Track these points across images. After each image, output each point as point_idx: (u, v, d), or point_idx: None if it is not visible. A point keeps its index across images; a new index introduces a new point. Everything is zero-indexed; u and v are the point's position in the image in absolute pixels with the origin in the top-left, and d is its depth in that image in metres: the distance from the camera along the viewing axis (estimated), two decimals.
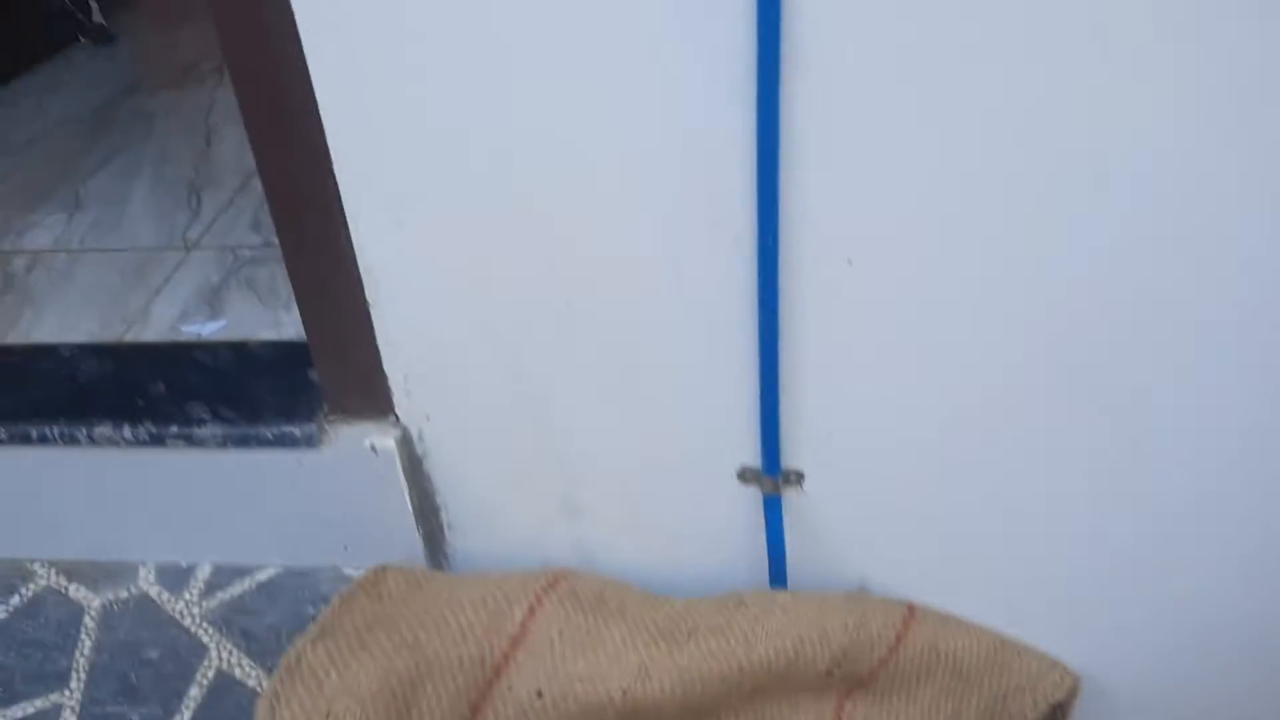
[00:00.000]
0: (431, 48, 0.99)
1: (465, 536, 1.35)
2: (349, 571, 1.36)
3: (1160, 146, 0.95)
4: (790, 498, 1.23)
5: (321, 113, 1.05)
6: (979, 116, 0.95)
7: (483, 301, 1.15)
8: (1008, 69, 0.93)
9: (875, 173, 1.00)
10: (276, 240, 1.17)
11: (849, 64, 0.95)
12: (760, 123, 0.97)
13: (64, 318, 1.53)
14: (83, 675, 1.32)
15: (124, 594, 1.36)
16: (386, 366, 1.22)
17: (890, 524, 1.24)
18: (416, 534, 1.32)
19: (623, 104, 1.00)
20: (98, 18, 2.67)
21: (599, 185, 1.05)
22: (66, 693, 1.32)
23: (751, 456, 1.21)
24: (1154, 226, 0.99)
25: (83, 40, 2.65)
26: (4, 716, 1.31)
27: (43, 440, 1.30)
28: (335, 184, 1.09)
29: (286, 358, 1.38)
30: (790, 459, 1.20)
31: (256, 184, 1.80)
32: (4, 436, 1.31)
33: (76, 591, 1.37)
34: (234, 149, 2.01)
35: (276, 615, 1.32)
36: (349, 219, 1.11)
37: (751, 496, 1.24)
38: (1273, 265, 1.00)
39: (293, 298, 1.42)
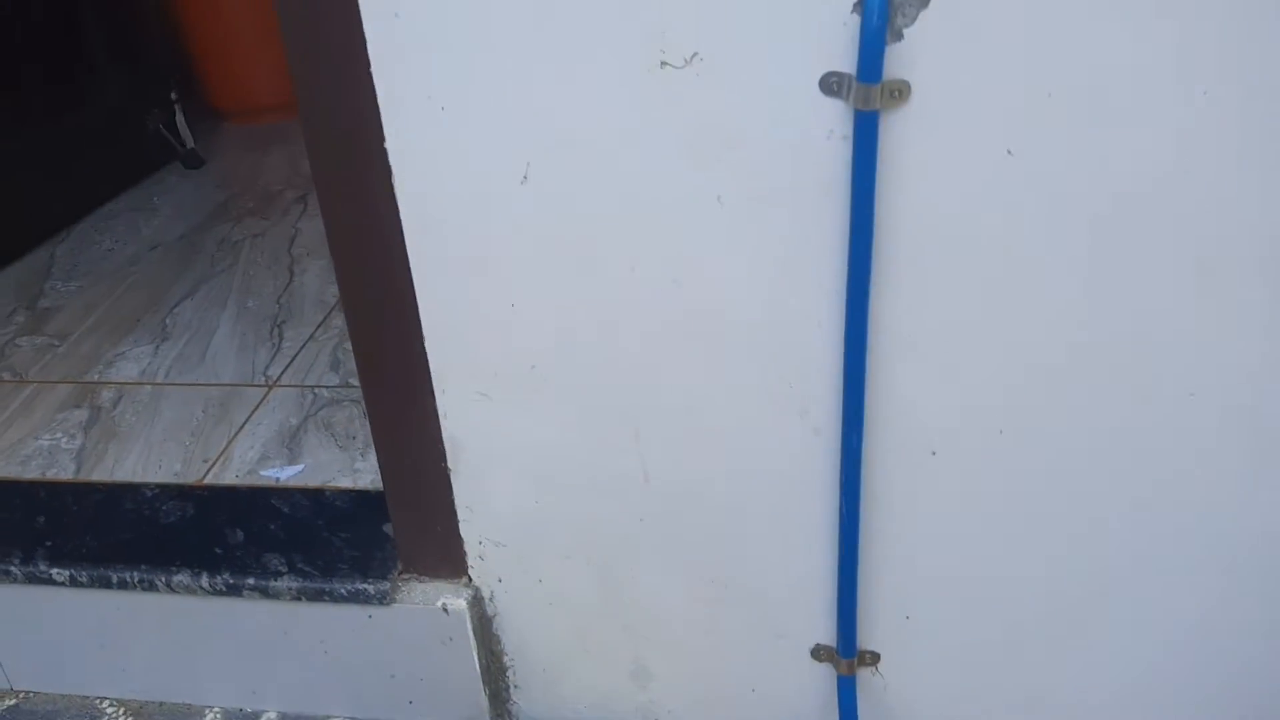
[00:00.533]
0: (525, 241, 1.02)
1: (531, 698, 1.34)
2: None
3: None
4: (865, 679, 1.21)
5: (417, 292, 1.08)
6: (1060, 333, 0.96)
7: (562, 473, 1.16)
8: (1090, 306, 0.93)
9: (962, 370, 1.00)
10: (354, 381, 1.19)
11: (939, 270, 0.96)
12: (849, 319, 0.98)
13: (148, 455, 1.56)
14: None
15: None
16: (463, 530, 1.23)
17: (968, 709, 1.21)
18: (482, 693, 1.32)
19: (716, 287, 1.01)
20: (190, 143, 2.79)
21: (688, 363, 1.06)
22: None
23: (827, 635, 1.20)
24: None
25: (176, 163, 2.76)
26: None
27: (122, 585, 1.32)
28: (424, 354, 1.12)
29: (362, 508, 1.40)
30: (866, 640, 1.19)
31: (336, 320, 1.86)
32: (84, 580, 1.33)
33: None
34: (316, 282, 2.07)
35: None
36: (436, 389, 1.14)
37: (825, 675, 1.22)
38: None
39: (369, 443, 1.45)
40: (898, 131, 0.90)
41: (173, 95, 2.76)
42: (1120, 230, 0.91)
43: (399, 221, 1.04)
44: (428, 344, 1.11)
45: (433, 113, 0.98)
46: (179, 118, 2.77)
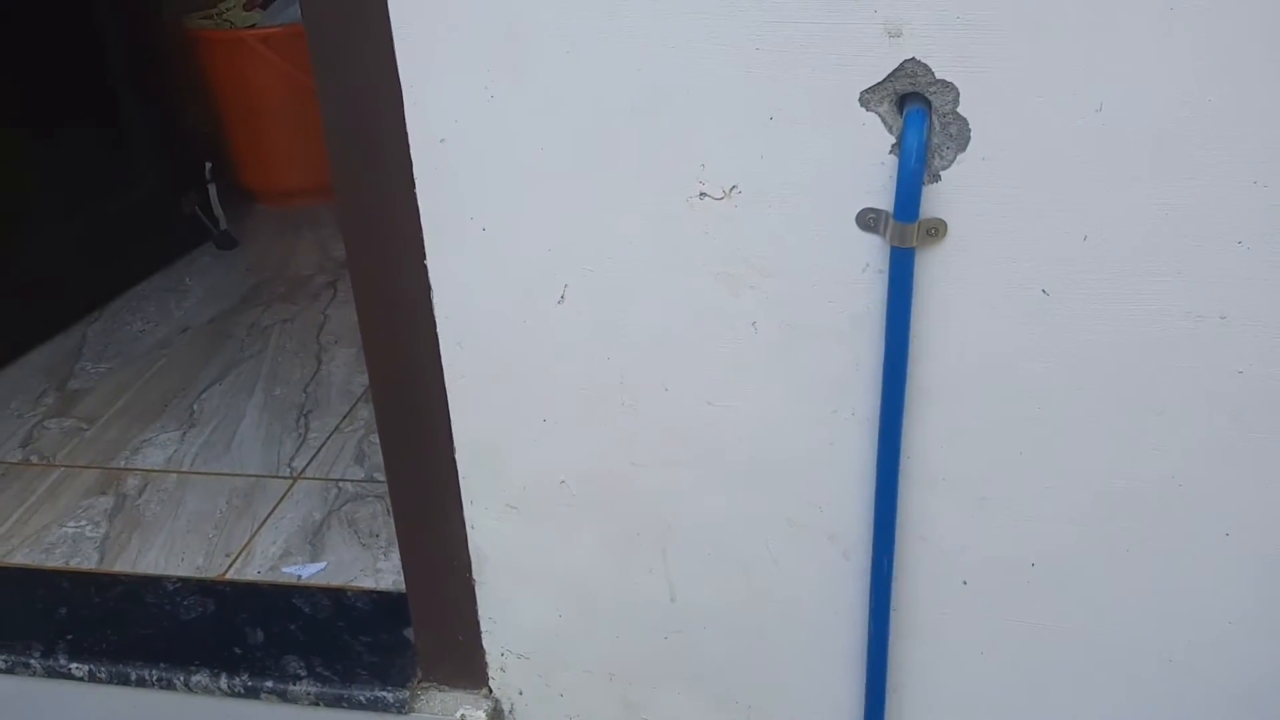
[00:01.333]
0: (560, 359, 1.03)
1: None
2: None
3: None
4: None
5: (450, 403, 1.08)
6: (1093, 475, 0.96)
7: (588, 588, 1.15)
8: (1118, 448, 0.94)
9: (992, 503, 1.00)
10: (379, 475, 1.18)
11: (972, 406, 0.96)
12: (881, 448, 0.99)
13: (171, 546, 1.57)
14: None
15: None
16: (485, 641, 1.22)
17: None
18: None
19: (748, 411, 1.02)
20: (224, 224, 2.83)
21: (718, 485, 1.06)
22: None
23: None
24: None
25: (208, 244, 2.81)
26: None
27: (140, 683, 1.31)
28: (454, 465, 1.12)
29: (383, 610, 1.39)
30: None
31: (363, 411, 1.87)
32: (103, 676, 1.32)
33: None
34: (343, 371, 2.08)
35: None
36: (464, 499, 1.14)
37: None
38: None
39: (392, 542, 1.45)
40: (933, 269, 0.91)
41: (207, 178, 2.81)
42: (1155, 377, 0.91)
43: (435, 335, 1.06)
44: (458, 455, 1.11)
45: (474, 233, 0.99)
46: (213, 200, 2.81)
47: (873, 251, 0.92)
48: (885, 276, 0.93)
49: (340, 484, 1.70)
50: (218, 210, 2.85)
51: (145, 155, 2.63)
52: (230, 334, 2.30)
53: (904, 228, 0.89)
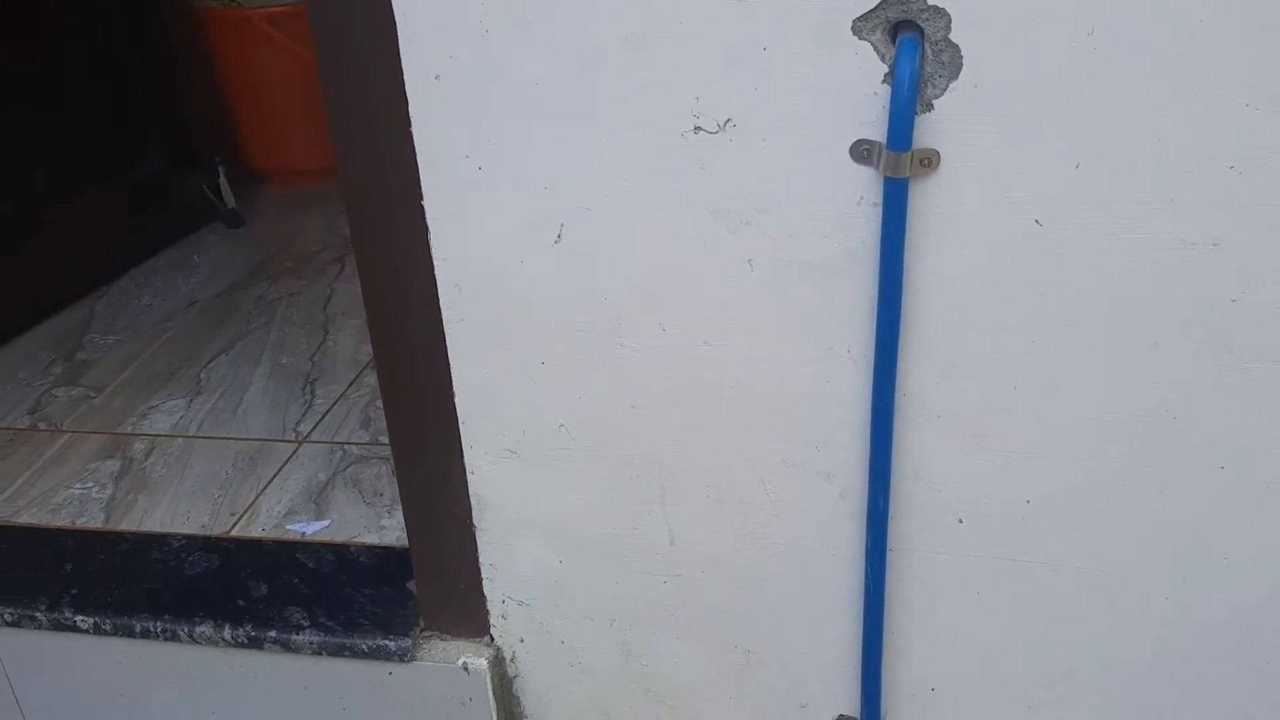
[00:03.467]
0: (557, 299, 1.04)
1: None
2: None
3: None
4: None
5: (449, 347, 1.09)
6: (1088, 407, 0.96)
7: (588, 532, 1.16)
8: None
9: (988, 440, 1.00)
10: (384, 439, 1.19)
11: (966, 340, 0.96)
12: (876, 384, 0.99)
13: (176, 506, 1.58)
14: None
15: None
16: (486, 589, 1.23)
17: None
18: None
19: (745, 349, 1.02)
20: (232, 203, 2.85)
21: (715, 425, 1.07)
22: None
23: (850, 706, 1.18)
24: None
25: (217, 222, 2.82)
26: None
27: (145, 634, 1.33)
28: (454, 409, 1.13)
29: (387, 564, 1.40)
30: (891, 712, 1.17)
31: (369, 378, 1.88)
32: (108, 628, 1.34)
33: None
34: (350, 341, 2.09)
35: None
36: (464, 445, 1.14)
37: None
38: None
39: (396, 501, 1.45)
40: (927, 199, 0.92)
41: (216, 157, 2.83)
42: (1148, 307, 0.91)
43: (433, 277, 1.06)
44: (457, 399, 1.12)
45: (470, 172, 1.00)
46: (221, 179, 2.83)
47: (867, 184, 0.93)
48: (880, 209, 0.93)
49: (346, 447, 1.71)
50: (226, 189, 2.86)
51: (151, 134, 2.64)
52: (237, 308, 2.31)
53: (897, 158, 0.89)
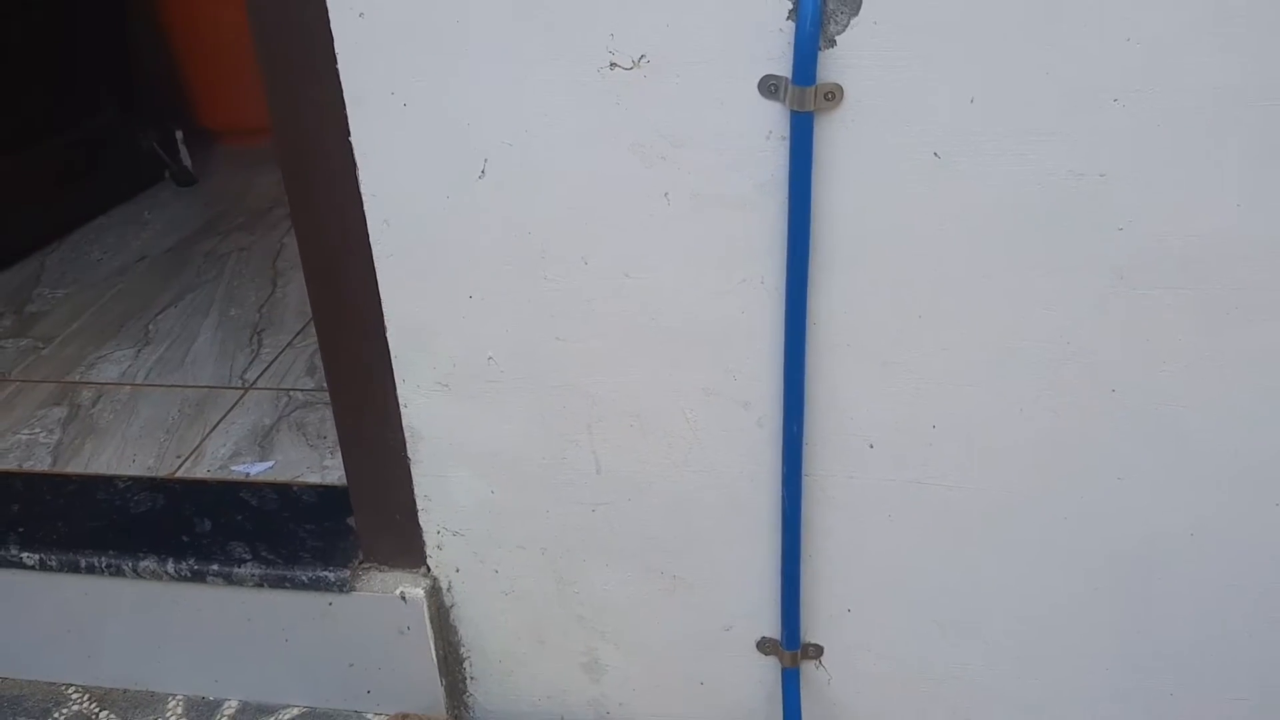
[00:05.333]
0: (482, 233, 1.07)
1: (487, 690, 1.37)
2: (371, 717, 1.38)
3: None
4: (809, 672, 1.25)
5: (379, 281, 1.12)
6: (989, 334, 1.01)
7: (518, 463, 1.20)
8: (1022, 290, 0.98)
9: (896, 366, 1.05)
10: None
11: (873, 270, 1.01)
12: (789, 314, 1.03)
13: (123, 450, 1.60)
14: None
15: None
16: (422, 520, 1.27)
17: (907, 702, 1.24)
18: (439, 684, 1.35)
19: (664, 281, 1.06)
20: (185, 161, 2.85)
21: (637, 356, 1.11)
22: None
23: (772, 628, 1.23)
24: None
25: (168, 181, 2.82)
26: None
27: (90, 570, 1.36)
28: (386, 343, 1.16)
29: (328, 502, 1.44)
30: (810, 633, 1.22)
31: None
32: (54, 564, 1.36)
33: (107, 718, 1.40)
34: (298, 293, 2.12)
35: None
36: (397, 378, 1.18)
37: (771, 667, 1.25)
38: None
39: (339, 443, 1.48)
40: (832, 133, 0.96)
41: (170, 116, 2.82)
42: (1042, 236, 0.96)
43: (363, 213, 1.09)
44: (389, 334, 1.15)
45: (395, 108, 1.03)
46: (179, 138, 2.83)
47: (775, 118, 0.96)
48: (788, 143, 0.97)
49: (291, 393, 1.74)
50: (181, 146, 2.86)
51: (102, 91, 2.64)
52: (188, 262, 2.33)
53: (802, 92, 0.93)
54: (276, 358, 1.86)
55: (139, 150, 2.76)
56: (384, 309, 1.14)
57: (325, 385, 1.73)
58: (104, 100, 2.65)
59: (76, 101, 2.57)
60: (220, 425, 1.66)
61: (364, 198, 1.08)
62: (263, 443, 1.60)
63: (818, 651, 1.23)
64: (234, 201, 2.69)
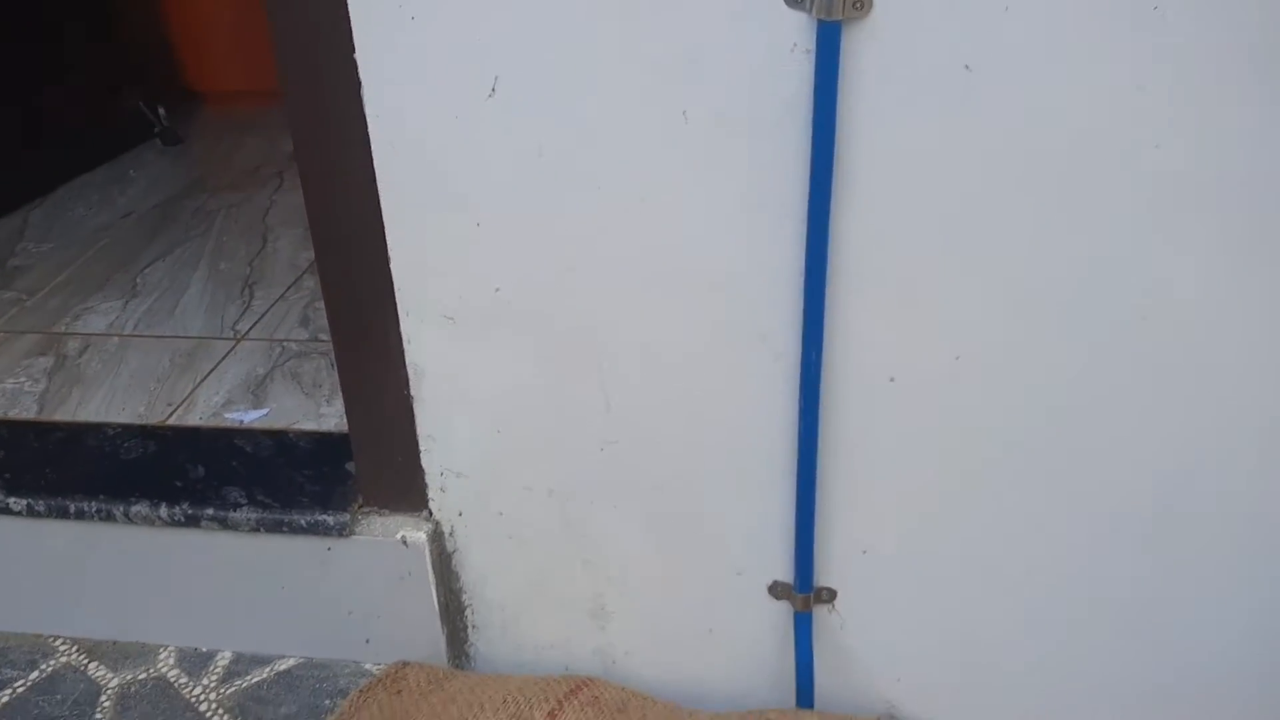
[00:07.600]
0: (492, 156, 1.03)
1: (488, 638, 1.34)
2: (369, 667, 1.34)
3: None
4: (821, 615, 1.22)
5: (383, 209, 1.08)
6: (1018, 264, 0.98)
7: (525, 399, 1.16)
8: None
9: (919, 297, 1.02)
10: (324, 335, 1.19)
11: (900, 193, 0.97)
12: (810, 240, 1.00)
13: (111, 399, 1.56)
14: None
15: (142, 675, 1.35)
16: (424, 461, 1.23)
17: (921, 647, 1.22)
18: (440, 632, 1.31)
19: (681, 204, 1.02)
20: (168, 121, 2.79)
21: (651, 285, 1.07)
22: None
23: (784, 572, 1.20)
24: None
25: (154, 140, 2.77)
26: None
27: (79, 515, 1.31)
28: (390, 275, 1.12)
29: (325, 448, 1.40)
30: (823, 576, 1.19)
31: (308, 281, 1.86)
32: (42, 510, 1.32)
33: (96, 670, 1.36)
34: (289, 248, 2.07)
35: (293, 706, 1.30)
36: (400, 312, 1.14)
37: (782, 612, 1.22)
38: None
39: (335, 391, 1.45)
40: (859, 45, 0.92)
41: (151, 74, 2.77)
42: (1074, 155, 0.93)
43: (367, 136, 1.05)
44: (393, 263, 1.11)
45: (402, 21, 0.99)
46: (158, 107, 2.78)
47: (800, 31, 0.93)
48: (813, 56, 0.93)
49: (284, 343, 1.70)
50: (160, 112, 2.81)
51: (83, 48, 2.58)
52: (175, 218, 2.28)
53: None
54: (269, 309, 1.82)
55: (121, 108, 2.70)
56: (387, 237, 1.10)
57: (319, 336, 1.70)
58: (90, 58, 2.59)
59: (61, 60, 2.51)
60: (212, 374, 1.61)
61: (368, 119, 1.04)
62: (256, 391, 1.56)
63: (831, 596, 1.20)
64: (222, 161, 2.64)
